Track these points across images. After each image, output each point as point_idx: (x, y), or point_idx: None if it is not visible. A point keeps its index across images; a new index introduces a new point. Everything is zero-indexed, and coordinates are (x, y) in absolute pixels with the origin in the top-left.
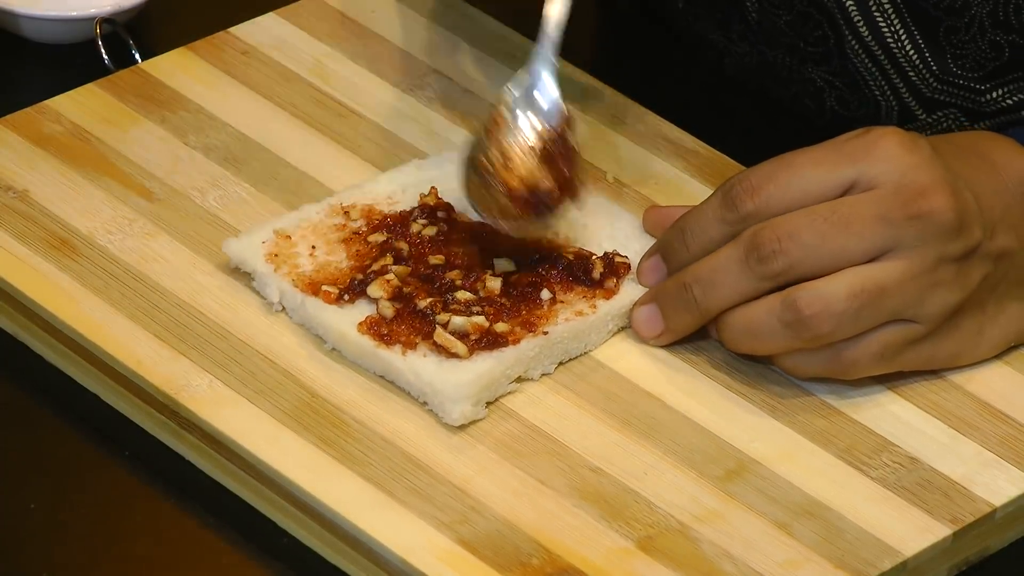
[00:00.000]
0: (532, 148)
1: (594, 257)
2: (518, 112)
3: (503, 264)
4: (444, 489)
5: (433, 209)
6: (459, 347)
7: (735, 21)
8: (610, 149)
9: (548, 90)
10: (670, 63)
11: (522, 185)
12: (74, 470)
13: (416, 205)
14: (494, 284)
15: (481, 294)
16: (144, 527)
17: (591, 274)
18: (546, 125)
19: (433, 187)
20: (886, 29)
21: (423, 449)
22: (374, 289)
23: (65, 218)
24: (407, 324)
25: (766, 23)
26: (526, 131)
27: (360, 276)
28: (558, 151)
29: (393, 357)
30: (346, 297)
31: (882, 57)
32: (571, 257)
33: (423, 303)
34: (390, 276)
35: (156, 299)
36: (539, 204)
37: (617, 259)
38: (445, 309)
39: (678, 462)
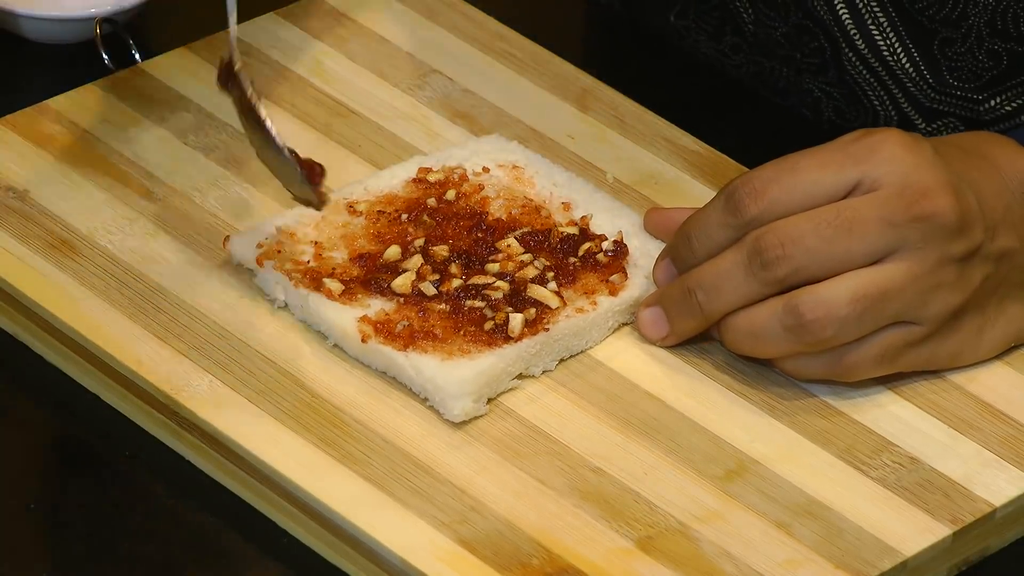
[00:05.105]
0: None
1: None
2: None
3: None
4: (444, 489)
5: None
6: (553, 299)
7: (728, 33)
8: (610, 149)
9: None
10: (670, 64)
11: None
12: (74, 470)
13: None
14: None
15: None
16: (144, 527)
17: (595, 255)
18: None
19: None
20: (882, 43)
21: (423, 449)
22: (400, 282)
23: (65, 218)
24: (414, 319)
25: (762, 35)
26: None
27: (378, 269)
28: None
29: (395, 353)
30: (349, 293)
31: (880, 69)
32: (574, 232)
33: (454, 284)
34: (410, 272)
35: (156, 299)
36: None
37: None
38: (470, 297)
39: (678, 462)
